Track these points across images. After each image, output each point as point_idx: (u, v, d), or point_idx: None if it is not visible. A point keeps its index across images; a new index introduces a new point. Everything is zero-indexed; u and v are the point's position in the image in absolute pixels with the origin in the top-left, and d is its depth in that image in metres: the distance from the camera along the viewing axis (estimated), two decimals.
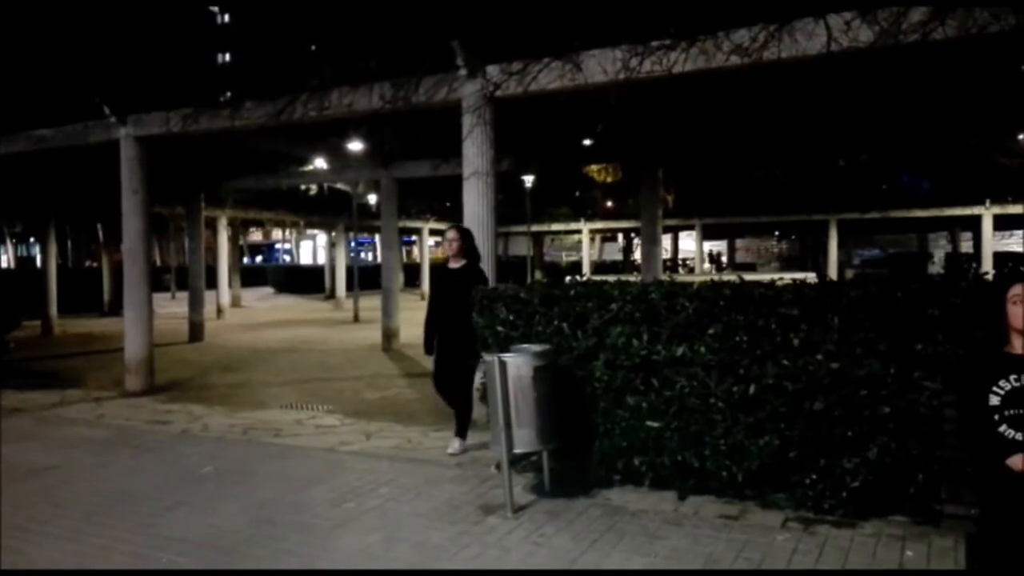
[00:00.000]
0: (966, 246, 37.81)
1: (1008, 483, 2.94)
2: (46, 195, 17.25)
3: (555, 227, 38.90)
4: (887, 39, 5.69)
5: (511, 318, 5.60)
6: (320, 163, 17.55)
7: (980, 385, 3.15)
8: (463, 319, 5.91)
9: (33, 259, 43.89)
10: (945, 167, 25.46)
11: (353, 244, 28.21)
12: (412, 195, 23.89)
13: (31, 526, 4.72)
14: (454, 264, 6.33)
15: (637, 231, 25.58)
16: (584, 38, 6.70)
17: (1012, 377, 3.08)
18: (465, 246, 6.34)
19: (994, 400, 3.08)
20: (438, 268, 6.37)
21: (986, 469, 3.04)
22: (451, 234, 6.35)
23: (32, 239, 41.85)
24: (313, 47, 8.61)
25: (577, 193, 35.39)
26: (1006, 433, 3.04)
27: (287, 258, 61.08)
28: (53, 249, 20.38)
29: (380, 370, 12.07)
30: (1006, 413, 3.05)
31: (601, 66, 6.71)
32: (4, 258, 46.93)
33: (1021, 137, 17.72)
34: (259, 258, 61.36)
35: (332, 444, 6.79)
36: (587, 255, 39.95)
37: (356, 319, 21.21)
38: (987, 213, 29.00)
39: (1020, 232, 37.03)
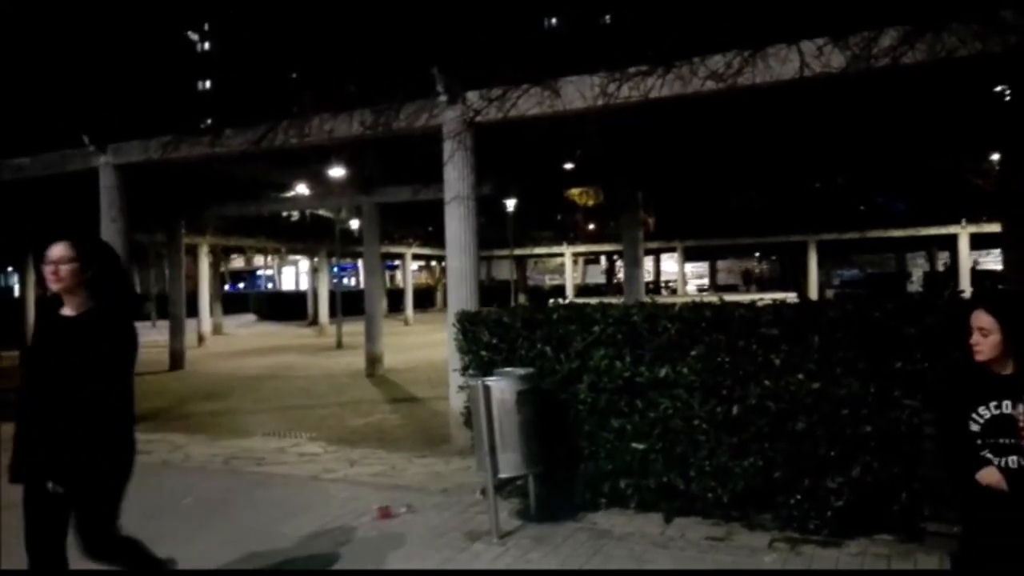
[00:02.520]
0: (944, 265, 38.32)
1: (989, 503, 2.90)
2: (24, 224, 17.08)
3: (538, 250, 39.01)
4: (859, 64, 5.81)
5: (494, 342, 5.60)
6: (302, 189, 17.53)
7: (960, 409, 3.01)
8: (82, 413, 3.07)
9: (11, 288, 43.35)
10: (921, 188, 25.84)
11: (336, 270, 28.10)
12: (394, 220, 23.89)
13: (3, 563, 4.62)
14: (70, 309, 3.22)
15: (619, 254, 25.76)
16: (562, 64, 6.78)
17: (992, 404, 2.93)
18: (90, 273, 3.24)
19: (974, 427, 2.95)
20: (43, 312, 3.34)
21: (967, 490, 3.00)
22: (57, 251, 3.24)
23: (10, 268, 41.35)
24: (293, 74, 8.64)
25: (559, 217, 35.48)
26: (986, 455, 2.93)
27: (269, 285, 60.75)
28: (32, 279, 20.14)
29: (364, 396, 11.99)
30: (988, 441, 2.93)
31: (579, 92, 6.79)
32: None
33: (994, 158, 18.05)
34: (241, 285, 60.97)
35: (316, 472, 6.72)
36: (570, 278, 40.06)
37: (339, 345, 21.08)
38: (963, 232, 29.48)
39: (996, 250, 37.59)
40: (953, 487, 3.15)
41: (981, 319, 2.94)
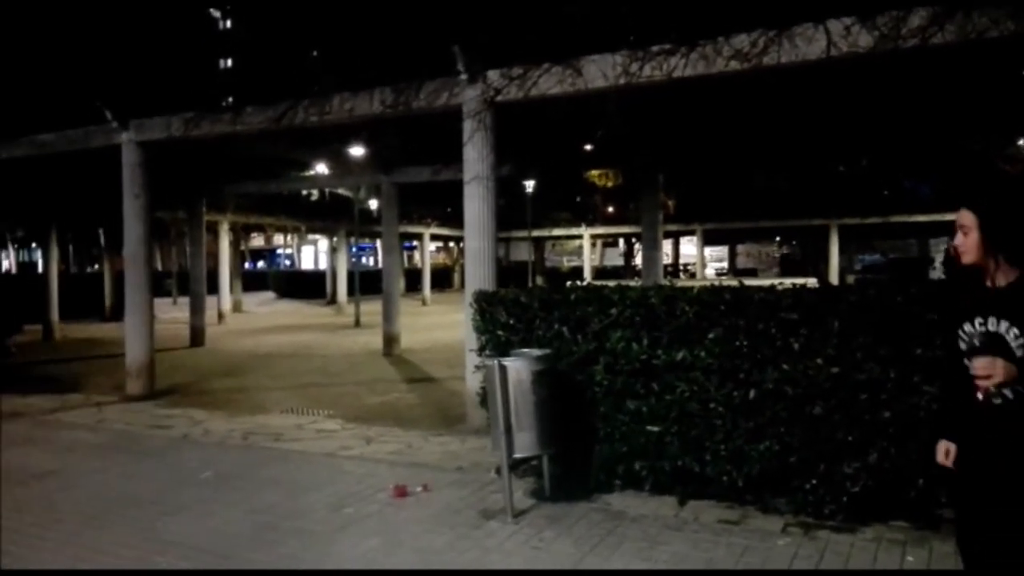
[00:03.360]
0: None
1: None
2: (48, 200, 17.29)
3: (556, 232, 38.95)
4: (886, 44, 5.70)
5: (511, 322, 5.60)
6: (321, 168, 17.57)
7: (950, 327, 2.70)
8: None
9: (35, 264, 43.96)
10: (946, 172, 25.46)
11: (354, 249, 28.22)
12: (413, 200, 23.92)
13: (31, 530, 4.72)
14: None
15: (638, 236, 25.62)
16: (584, 43, 6.71)
17: (978, 321, 2.57)
18: None
19: (962, 345, 2.62)
20: None
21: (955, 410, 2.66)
22: None
23: (34, 244, 41.90)
24: (314, 52, 8.62)
25: (578, 198, 35.43)
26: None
27: (288, 263, 61.11)
28: (55, 254, 20.43)
29: (381, 375, 12.07)
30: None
31: (601, 71, 6.72)
32: (6, 263, 46.99)
33: (1021, 143, 17.72)
34: (260, 263, 61.36)
35: (332, 449, 6.79)
36: (588, 260, 39.95)
37: (357, 324, 21.21)
38: None
39: None
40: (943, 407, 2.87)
41: (963, 216, 2.64)
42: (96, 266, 37.38)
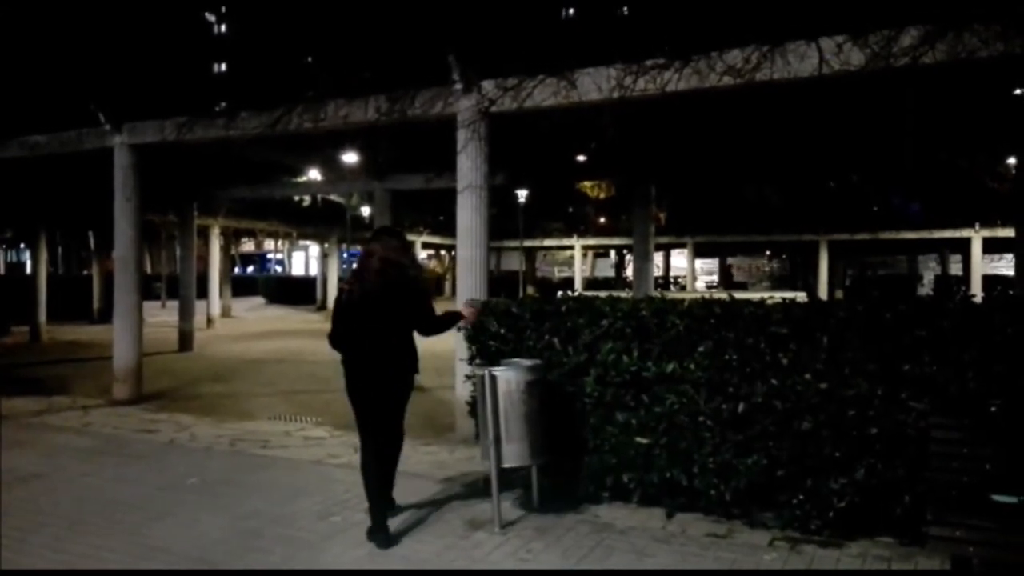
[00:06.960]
0: (955, 268, 38.07)
1: None
2: (37, 202, 17.19)
3: (548, 242, 38.98)
4: (878, 62, 5.76)
5: (502, 332, 5.60)
6: (314, 174, 17.56)
7: None
8: None
9: (23, 265, 43.69)
10: (935, 190, 25.67)
11: (346, 255, 28.17)
12: (406, 207, 23.93)
13: (16, 535, 4.68)
14: None
15: (629, 248, 25.71)
16: (579, 56, 6.75)
17: None
18: None
19: None
20: None
21: None
22: None
23: (22, 245, 41.65)
24: (310, 59, 8.63)
25: (570, 209, 35.48)
26: None
27: (279, 269, 60.92)
28: (43, 256, 20.28)
29: None
30: None
31: (595, 84, 6.76)
32: None
33: (1010, 161, 17.90)
34: (250, 268, 61.16)
35: (320, 456, 6.76)
36: (579, 271, 40.01)
37: None
38: (976, 236, 29.24)
39: (1009, 255, 37.28)
40: None
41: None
42: (85, 269, 37.16)
